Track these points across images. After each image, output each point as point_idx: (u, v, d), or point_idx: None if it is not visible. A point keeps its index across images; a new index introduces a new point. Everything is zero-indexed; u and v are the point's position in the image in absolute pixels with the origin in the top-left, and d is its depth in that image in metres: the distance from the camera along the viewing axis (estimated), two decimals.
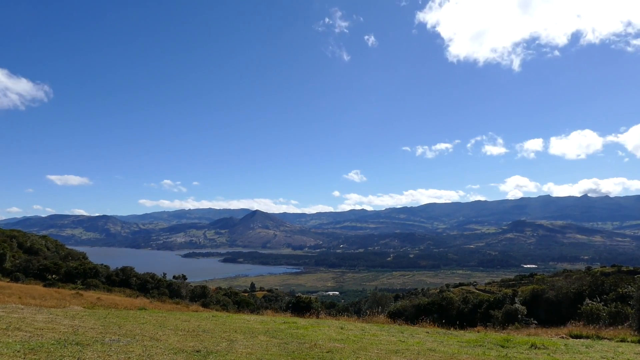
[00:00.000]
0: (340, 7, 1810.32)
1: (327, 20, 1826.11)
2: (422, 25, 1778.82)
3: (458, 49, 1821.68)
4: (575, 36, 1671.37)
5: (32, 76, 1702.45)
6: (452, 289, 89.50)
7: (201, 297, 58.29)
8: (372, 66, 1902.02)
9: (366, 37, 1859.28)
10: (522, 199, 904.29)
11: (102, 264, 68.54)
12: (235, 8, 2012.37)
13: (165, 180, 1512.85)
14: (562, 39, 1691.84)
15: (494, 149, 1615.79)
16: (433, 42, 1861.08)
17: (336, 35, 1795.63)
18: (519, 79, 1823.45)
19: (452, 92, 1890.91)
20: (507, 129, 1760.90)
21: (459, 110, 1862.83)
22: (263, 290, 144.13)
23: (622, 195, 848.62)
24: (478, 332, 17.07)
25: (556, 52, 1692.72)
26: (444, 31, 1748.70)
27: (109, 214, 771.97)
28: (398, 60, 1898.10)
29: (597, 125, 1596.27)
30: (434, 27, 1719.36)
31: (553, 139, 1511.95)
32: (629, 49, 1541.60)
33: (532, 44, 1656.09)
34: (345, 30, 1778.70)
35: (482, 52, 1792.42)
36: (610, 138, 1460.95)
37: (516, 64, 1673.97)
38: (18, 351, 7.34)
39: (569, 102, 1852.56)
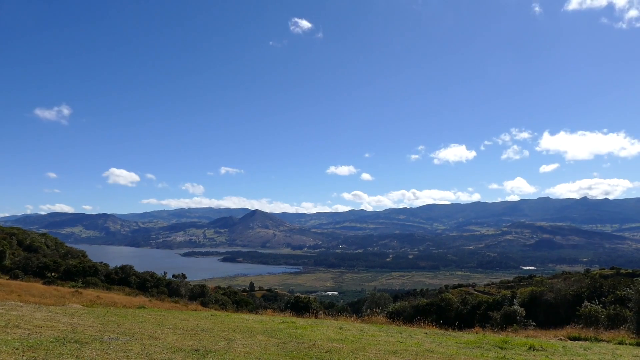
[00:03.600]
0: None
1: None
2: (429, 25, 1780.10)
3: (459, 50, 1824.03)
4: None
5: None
6: (450, 290, 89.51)
7: (200, 296, 58.33)
8: (372, 66, 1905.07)
9: (368, 38, 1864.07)
10: (521, 200, 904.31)
11: (101, 262, 68.63)
12: (233, 9, 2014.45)
13: (165, 179, 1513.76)
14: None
15: (494, 150, 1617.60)
16: (435, 44, 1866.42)
17: (337, 37, 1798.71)
18: (519, 78, 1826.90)
19: (451, 93, 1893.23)
20: (507, 130, 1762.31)
21: (458, 112, 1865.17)
22: (262, 290, 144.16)
23: (621, 198, 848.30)
24: (476, 333, 17.08)
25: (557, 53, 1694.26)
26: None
27: (108, 212, 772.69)
28: (397, 61, 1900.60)
29: (598, 126, 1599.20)
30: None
31: (553, 140, 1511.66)
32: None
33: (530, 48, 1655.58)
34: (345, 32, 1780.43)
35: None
36: (611, 139, 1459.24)
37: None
38: (17, 348, 7.34)
39: (570, 101, 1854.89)
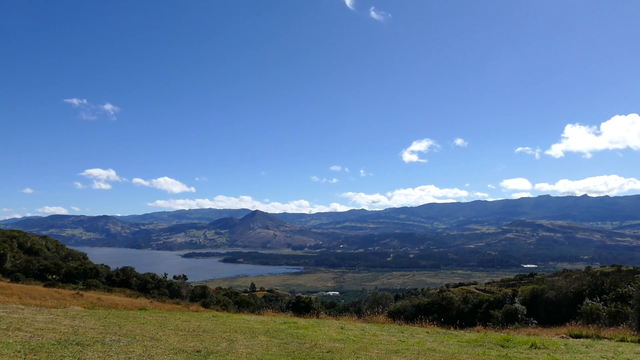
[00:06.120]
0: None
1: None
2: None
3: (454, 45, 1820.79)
4: None
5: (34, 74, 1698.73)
6: (452, 289, 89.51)
7: (201, 297, 58.27)
8: (372, 65, 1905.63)
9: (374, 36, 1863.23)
10: (522, 198, 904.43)
11: (102, 264, 68.53)
12: (235, 8, 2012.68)
13: (166, 180, 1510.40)
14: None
15: (494, 148, 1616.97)
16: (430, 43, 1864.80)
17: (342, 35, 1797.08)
18: (519, 78, 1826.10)
19: (451, 89, 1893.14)
20: (508, 128, 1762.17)
21: (459, 108, 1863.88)
22: (263, 291, 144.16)
23: (621, 195, 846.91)
24: (478, 332, 17.08)
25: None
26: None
27: (109, 214, 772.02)
28: (396, 59, 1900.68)
29: (598, 124, 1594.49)
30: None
31: (553, 138, 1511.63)
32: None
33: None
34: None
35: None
36: (610, 137, 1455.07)
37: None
38: (18, 351, 7.34)
39: (569, 100, 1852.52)
